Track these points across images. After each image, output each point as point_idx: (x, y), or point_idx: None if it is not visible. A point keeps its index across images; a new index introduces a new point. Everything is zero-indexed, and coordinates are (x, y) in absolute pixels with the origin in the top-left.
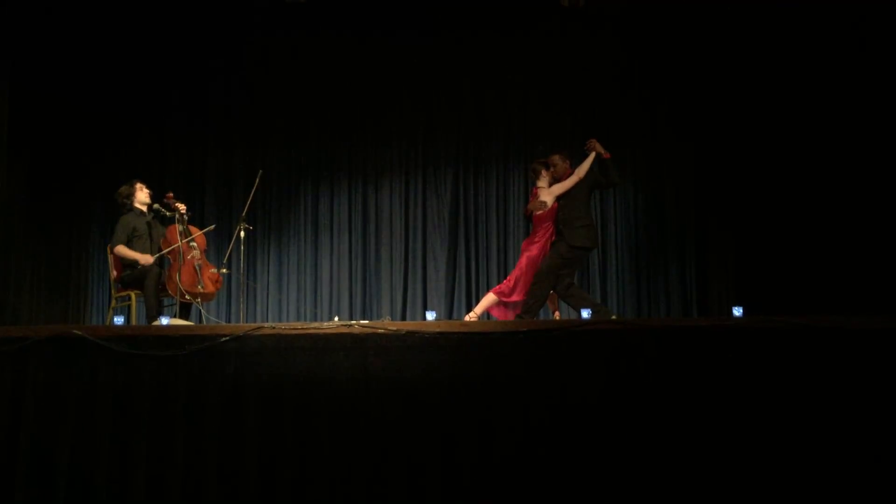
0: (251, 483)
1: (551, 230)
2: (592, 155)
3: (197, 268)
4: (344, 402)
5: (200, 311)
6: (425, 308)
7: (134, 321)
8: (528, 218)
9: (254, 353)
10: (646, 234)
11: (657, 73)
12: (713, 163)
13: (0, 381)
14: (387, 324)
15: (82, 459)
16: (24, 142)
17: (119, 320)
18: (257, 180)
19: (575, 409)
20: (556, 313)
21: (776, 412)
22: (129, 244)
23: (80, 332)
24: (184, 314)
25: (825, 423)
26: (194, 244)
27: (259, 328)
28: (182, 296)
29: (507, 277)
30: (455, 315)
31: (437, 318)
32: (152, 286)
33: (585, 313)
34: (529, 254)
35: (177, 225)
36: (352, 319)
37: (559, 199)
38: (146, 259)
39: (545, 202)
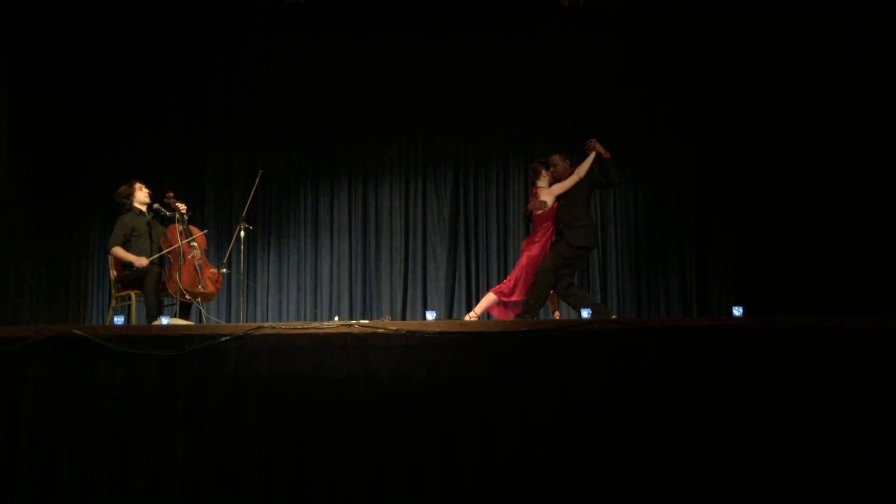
0: (251, 483)
1: (551, 230)
2: (592, 155)
3: (197, 267)
4: (344, 402)
5: (200, 310)
6: (425, 308)
7: (134, 321)
8: (528, 218)
9: (254, 353)
10: (646, 234)
11: (657, 73)
12: (713, 163)
13: (0, 381)
14: (387, 324)
15: (82, 459)
16: (24, 142)
17: (119, 320)
18: (257, 180)
19: (575, 409)
20: (556, 313)
21: (776, 412)
22: (127, 244)
23: (80, 332)
24: (184, 314)
25: (825, 422)
26: (195, 244)
27: (259, 328)
28: (182, 295)
29: (507, 277)
30: (455, 315)
31: (437, 318)
32: (152, 286)
33: (585, 313)
34: (529, 253)
35: (177, 225)
36: (352, 319)
37: (559, 198)
38: (141, 261)
39: (545, 202)
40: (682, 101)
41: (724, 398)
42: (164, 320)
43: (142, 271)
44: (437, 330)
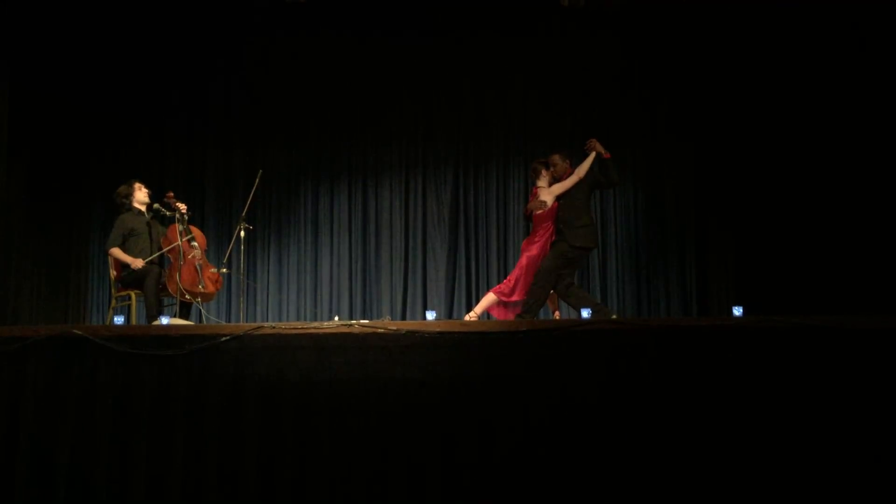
0: (251, 483)
1: (551, 230)
2: (592, 155)
3: (198, 267)
4: (344, 402)
5: (201, 310)
6: (425, 308)
7: (134, 321)
8: (528, 218)
9: (254, 353)
10: (646, 234)
11: (657, 73)
12: (713, 163)
13: (0, 381)
14: (387, 323)
15: (82, 459)
16: (24, 142)
17: (119, 320)
18: (257, 180)
19: (575, 409)
20: (556, 313)
21: (776, 412)
22: (126, 244)
23: (80, 332)
24: (184, 314)
25: (825, 422)
26: (195, 244)
27: (259, 328)
28: (182, 295)
29: (507, 277)
30: (455, 315)
31: (437, 318)
32: (152, 286)
33: (585, 313)
34: (529, 253)
35: (177, 224)
36: (352, 319)
37: (559, 198)
38: (137, 263)
39: (545, 202)
40: (682, 101)
41: (724, 398)
42: (164, 320)
43: (142, 271)
44: (437, 330)
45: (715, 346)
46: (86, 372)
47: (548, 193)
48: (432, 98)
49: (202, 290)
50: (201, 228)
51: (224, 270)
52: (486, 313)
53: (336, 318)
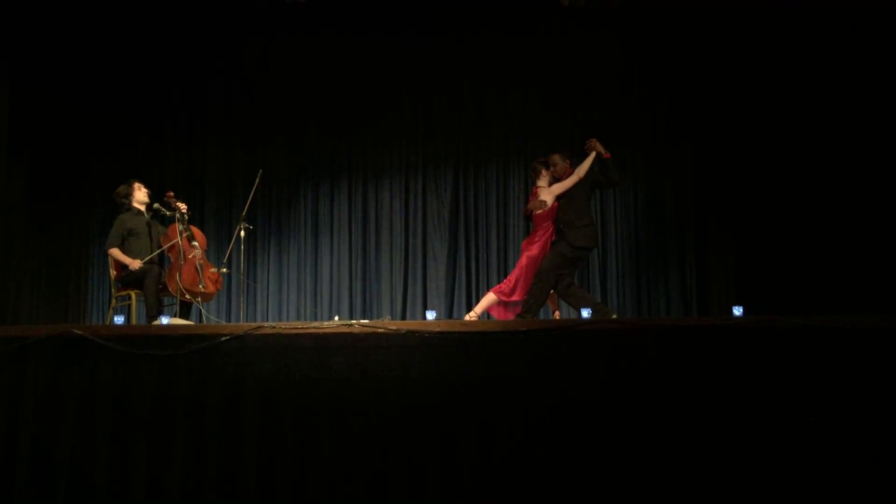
0: (251, 483)
1: (551, 230)
2: (593, 154)
3: (198, 267)
4: (344, 402)
5: (201, 310)
6: (425, 308)
7: (134, 321)
8: (528, 217)
9: (254, 353)
10: (646, 234)
11: (657, 73)
12: (713, 163)
13: (0, 381)
14: (387, 323)
15: (82, 459)
16: (24, 142)
17: (119, 320)
18: (257, 180)
19: (575, 409)
20: (556, 313)
21: (776, 412)
22: (125, 244)
23: (80, 332)
24: (184, 314)
25: (825, 422)
26: (196, 243)
27: (259, 328)
28: (183, 294)
29: (508, 277)
30: (455, 314)
31: (437, 318)
32: (152, 286)
33: (585, 313)
34: (529, 253)
35: (177, 224)
36: (352, 319)
37: (559, 198)
38: (135, 264)
39: (545, 201)
40: (682, 101)
41: (724, 398)
42: (164, 320)
43: (142, 271)
44: (438, 330)
45: (715, 346)
46: (86, 372)
47: (548, 193)
48: (432, 98)
49: (202, 290)
50: (201, 228)
51: (224, 270)
52: (486, 313)
53: (336, 318)
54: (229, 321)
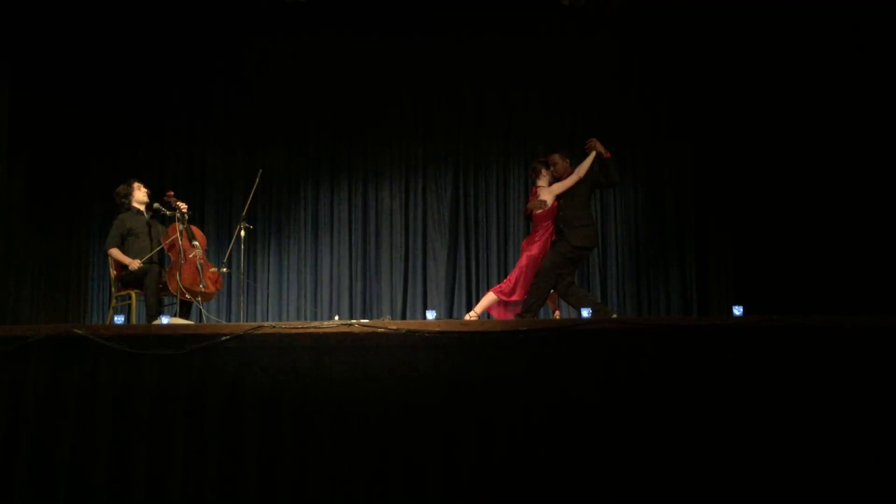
0: (251, 483)
1: (551, 229)
2: (593, 154)
3: (199, 266)
4: (344, 402)
5: (201, 310)
6: (425, 307)
7: (134, 320)
8: (528, 217)
9: (254, 353)
10: (646, 234)
11: (657, 73)
12: (713, 163)
13: (0, 381)
14: (387, 323)
15: (82, 459)
16: (24, 142)
17: (119, 320)
18: (257, 180)
19: (575, 409)
20: (556, 313)
21: (776, 412)
22: (125, 244)
23: (80, 332)
24: (184, 313)
25: (825, 422)
26: (196, 243)
27: (259, 327)
28: (183, 294)
29: (508, 277)
30: (455, 314)
31: (437, 318)
32: (153, 285)
33: (585, 312)
34: (530, 253)
35: (177, 224)
36: (352, 319)
37: (559, 198)
38: (134, 264)
39: (545, 201)
40: (682, 101)
41: (723, 398)
42: (164, 320)
43: (142, 270)
44: (437, 329)
45: (715, 346)
46: (86, 372)
47: (548, 193)
48: (432, 98)
49: (203, 290)
50: (201, 228)
51: (224, 270)
52: (486, 313)
53: (336, 318)
54: (229, 321)
